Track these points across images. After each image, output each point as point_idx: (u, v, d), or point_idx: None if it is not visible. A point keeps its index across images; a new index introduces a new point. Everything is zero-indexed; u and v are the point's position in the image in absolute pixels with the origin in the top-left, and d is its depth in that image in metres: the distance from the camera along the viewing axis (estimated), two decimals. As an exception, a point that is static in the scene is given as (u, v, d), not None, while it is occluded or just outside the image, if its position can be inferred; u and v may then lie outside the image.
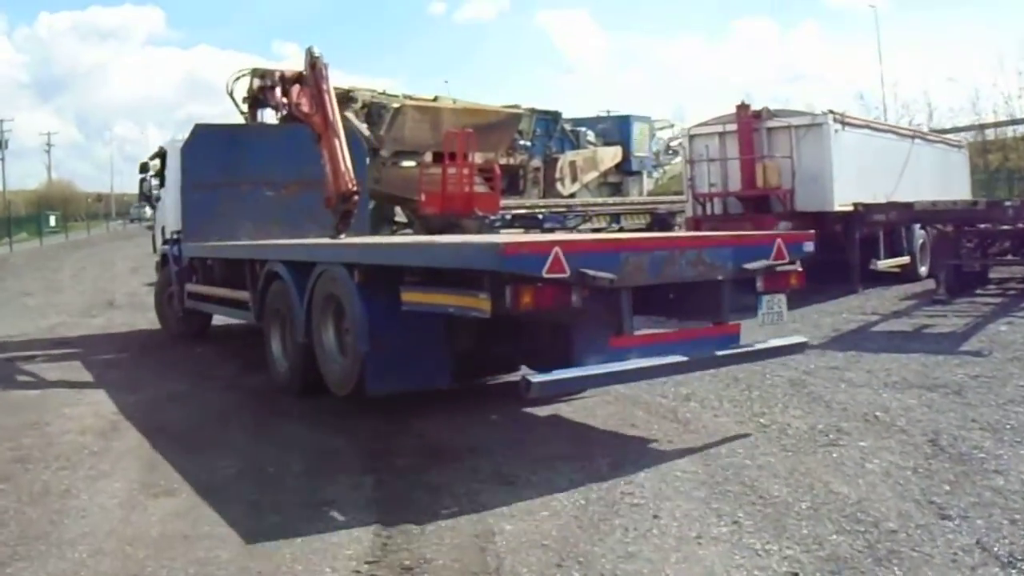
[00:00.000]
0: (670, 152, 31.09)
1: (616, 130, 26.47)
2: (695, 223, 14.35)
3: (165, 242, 11.53)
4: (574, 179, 23.46)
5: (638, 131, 27.00)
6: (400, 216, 20.47)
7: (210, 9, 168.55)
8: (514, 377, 7.68)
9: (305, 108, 9.58)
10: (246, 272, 8.61)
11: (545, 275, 4.92)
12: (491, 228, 15.85)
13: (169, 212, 11.32)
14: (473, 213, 15.82)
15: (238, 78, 10.80)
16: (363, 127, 16.94)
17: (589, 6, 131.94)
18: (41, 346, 11.19)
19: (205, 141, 10.53)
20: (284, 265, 7.56)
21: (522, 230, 17.00)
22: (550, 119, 23.58)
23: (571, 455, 5.37)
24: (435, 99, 19.97)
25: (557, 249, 4.94)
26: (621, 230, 17.00)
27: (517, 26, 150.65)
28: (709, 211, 14.37)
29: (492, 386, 7.43)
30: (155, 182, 12.21)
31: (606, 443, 5.75)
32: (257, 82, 10.55)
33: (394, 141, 18.08)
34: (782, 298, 6.03)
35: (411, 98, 19.13)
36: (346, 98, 16.70)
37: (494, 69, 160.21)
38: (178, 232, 10.74)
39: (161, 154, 11.93)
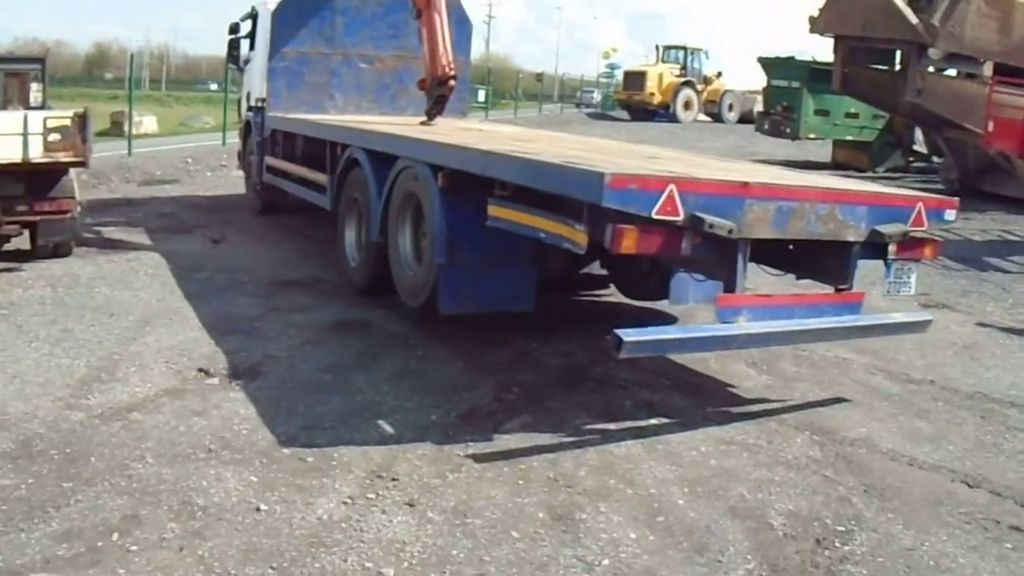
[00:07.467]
0: None
1: None
2: None
3: (249, 109, 10.97)
4: None
5: None
6: (920, 145, 16.65)
7: None
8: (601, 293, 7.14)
9: (409, -23, 8.66)
10: (326, 153, 7.97)
11: (655, 216, 4.14)
12: None
13: (256, 78, 10.71)
14: None
15: None
16: (908, 12, 12.97)
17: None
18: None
19: (299, 4, 9.77)
20: (365, 153, 6.89)
21: None
22: None
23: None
24: None
25: (672, 187, 4.15)
26: None
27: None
28: None
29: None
30: (245, 45, 11.54)
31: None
32: None
33: (950, 38, 13.18)
34: (912, 267, 5.18)
35: None
36: None
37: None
38: (262, 100, 10.13)
39: (253, 15, 11.19)
